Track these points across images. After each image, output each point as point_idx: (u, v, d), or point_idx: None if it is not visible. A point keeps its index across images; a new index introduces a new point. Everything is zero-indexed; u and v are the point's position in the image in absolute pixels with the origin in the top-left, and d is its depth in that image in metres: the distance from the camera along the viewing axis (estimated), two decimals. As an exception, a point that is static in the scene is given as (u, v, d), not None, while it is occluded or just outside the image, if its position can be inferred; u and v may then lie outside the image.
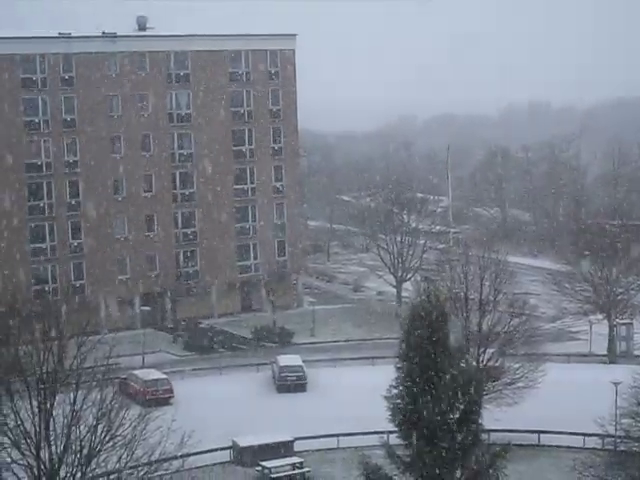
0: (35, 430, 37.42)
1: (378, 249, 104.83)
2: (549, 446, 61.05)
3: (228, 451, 59.80)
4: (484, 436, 30.36)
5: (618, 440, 49.26)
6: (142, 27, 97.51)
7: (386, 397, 29.43)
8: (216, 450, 58.43)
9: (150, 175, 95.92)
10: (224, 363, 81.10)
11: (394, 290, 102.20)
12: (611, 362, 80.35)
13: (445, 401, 28.86)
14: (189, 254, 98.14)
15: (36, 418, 37.49)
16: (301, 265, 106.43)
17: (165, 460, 39.46)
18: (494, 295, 63.98)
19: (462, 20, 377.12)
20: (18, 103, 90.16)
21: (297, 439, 60.28)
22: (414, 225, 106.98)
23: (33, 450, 37.38)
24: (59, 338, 40.23)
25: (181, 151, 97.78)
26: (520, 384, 61.66)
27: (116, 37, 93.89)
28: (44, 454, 37.37)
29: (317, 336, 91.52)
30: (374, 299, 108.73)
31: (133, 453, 37.91)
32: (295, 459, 58.62)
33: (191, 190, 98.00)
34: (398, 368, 29.19)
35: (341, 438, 61.08)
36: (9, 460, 38.25)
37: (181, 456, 41.05)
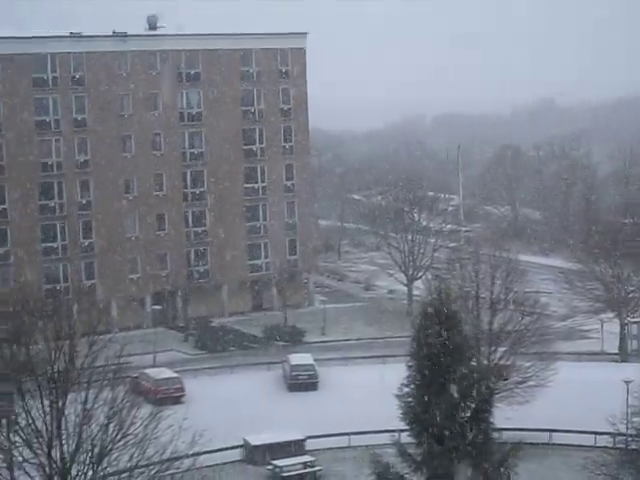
0: (47, 429, 37.41)
1: (389, 248, 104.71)
2: (560, 445, 60.92)
3: (239, 450, 59.88)
4: (495, 435, 30.25)
5: (629, 439, 49.30)
6: (153, 26, 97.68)
7: (397, 396, 29.36)
8: (227, 449, 58.49)
9: (161, 174, 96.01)
10: (235, 362, 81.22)
11: (405, 289, 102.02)
12: (622, 360, 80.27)
13: (456, 400, 28.81)
14: (200, 253, 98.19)
15: (48, 417, 37.48)
16: (312, 264, 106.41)
17: (176, 459, 39.49)
18: (505, 294, 64.04)
19: (462, 20, 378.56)
20: (29, 103, 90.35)
21: (308, 438, 60.31)
22: (425, 224, 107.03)
23: (45, 449, 37.38)
24: (70, 337, 40.18)
25: (192, 150, 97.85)
26: (531, 383, 61.64)
27: (127, 36, 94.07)
28: (56, 453, 37.37)
29: (328, 335, 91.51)
30: (385, 298, 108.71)
31: (144, 452, 37.88)
32: (306, 458, 58.68)
33: (202, 189, 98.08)
34: (409, 367, 29.08)
35: (352, 437, 61.09)
36: (21, 459, 38.31)
37: (192, 455, 41.04)
